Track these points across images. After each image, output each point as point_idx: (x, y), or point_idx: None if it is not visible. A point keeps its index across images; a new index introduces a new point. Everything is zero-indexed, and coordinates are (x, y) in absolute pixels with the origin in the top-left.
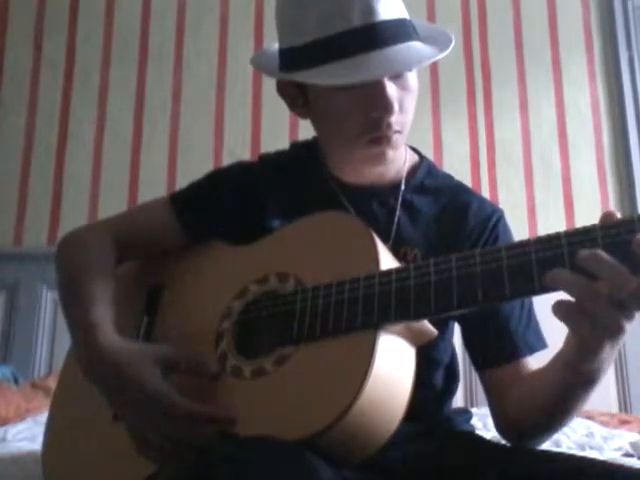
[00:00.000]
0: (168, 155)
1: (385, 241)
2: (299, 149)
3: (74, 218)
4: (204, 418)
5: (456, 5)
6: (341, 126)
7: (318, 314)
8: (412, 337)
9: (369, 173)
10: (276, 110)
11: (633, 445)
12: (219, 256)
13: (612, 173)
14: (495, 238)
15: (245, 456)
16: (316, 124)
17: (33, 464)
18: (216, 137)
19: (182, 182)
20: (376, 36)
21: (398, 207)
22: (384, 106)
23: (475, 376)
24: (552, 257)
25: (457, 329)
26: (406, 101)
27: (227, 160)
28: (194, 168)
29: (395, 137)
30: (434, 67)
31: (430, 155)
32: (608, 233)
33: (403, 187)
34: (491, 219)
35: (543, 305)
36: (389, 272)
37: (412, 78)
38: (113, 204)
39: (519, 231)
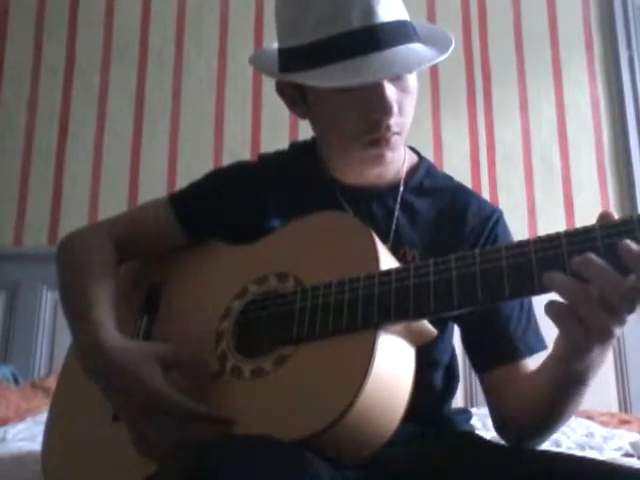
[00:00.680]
0: (168, 155)
1: (384, 242)
2: (298, 149)
3: (74, 218)
4: (204, 418)
5: (456, 5)
6: (340, 127)
7: (318, 314)
8: (412, 337)
9: (368, 174)
10: (276, 110)
11: (633, 445)
12: (219, 256)
13: (612, 173)
14: (494, 239)
15: (245, 456)
16: (315, 125)
17: (33, 464)
18: (216, 137)
19: (182, 182)
20: (376, 38)
21: (397, 208)
22: (383, 108)
23: (475, 376)
24: (551, 257)
25: (457, 329)
26: (405, 103)
27: (227, 160)
28: (194, 168)
29: (394, 139)
30: (434, 67)
31: (430, 155)
32: (608, 233)
33: (402, 188)
34: (490, 220)
35: (543, 305)
36: (389, 272)
37: (412, 80)
38: (113, 204)
39: (519, 231)
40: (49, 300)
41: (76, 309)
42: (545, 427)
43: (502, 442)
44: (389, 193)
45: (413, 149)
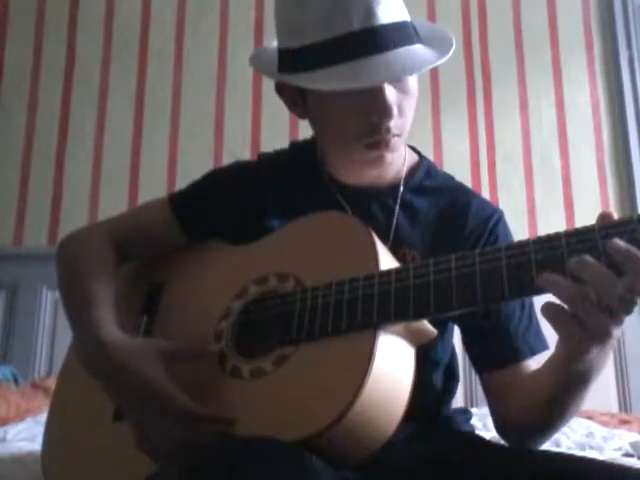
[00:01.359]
0: (168, 155)
1: (384, 242)
2: (298, 149)
3: (74, 218)
4: (204, 418)
5: (456, 5)
6: (340, 129)
7: (317, 314)
8: (412, 337)
9: (368, 174)
10: (276, 110)
11: (633, 445)
12: (219, 256)
13: (612, 173)
14: (495, 239)
15: (245, 456)
16: (315, 125)
17: (33, 464)
18: (216, 137)
19: (182, 182)
20: (376, 40)
21: (397, 208)
22: (383, 110)
23: (475, 376)
24: (551, 257)
25: (457, 329)
26: (405, 105)
27: (227, 160)
28: (194, 168)
29: (394, 140)
30: (434, 67)
31: (430, 155)
32: (608, 233)
33: (402, 188)
34: (491, 220)
35: None
36: (389, 272)
37: (412, 81)
38: (113, 204)
39: (519, 231)
40: (49, 300)
41: (76, 308)
42: (546, 427)
43: (502, 442)
44: (389, 193)
45: (413, 148)
